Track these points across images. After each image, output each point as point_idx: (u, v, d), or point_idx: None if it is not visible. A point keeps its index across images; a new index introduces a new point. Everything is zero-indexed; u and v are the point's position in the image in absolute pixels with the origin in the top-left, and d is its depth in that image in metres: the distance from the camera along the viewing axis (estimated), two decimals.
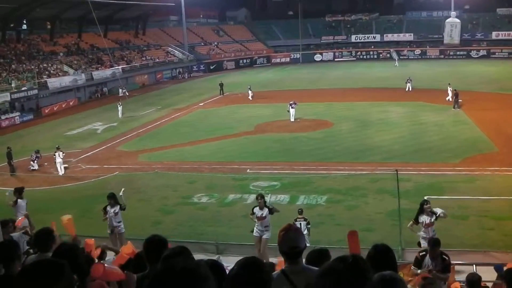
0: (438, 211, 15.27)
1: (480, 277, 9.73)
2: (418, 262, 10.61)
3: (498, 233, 19.60)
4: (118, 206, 17.85)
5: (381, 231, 19.90)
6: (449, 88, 49.17)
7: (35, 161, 33.11)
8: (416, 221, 15.20)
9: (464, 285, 9.86)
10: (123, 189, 18.23)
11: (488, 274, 11.21)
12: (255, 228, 17.17)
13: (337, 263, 2.27)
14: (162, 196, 26.43)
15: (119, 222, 17.86)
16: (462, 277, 11.27)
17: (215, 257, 15.06)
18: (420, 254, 10.72)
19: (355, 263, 2.25)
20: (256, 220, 17.07)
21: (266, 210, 17.03)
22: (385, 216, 21.66)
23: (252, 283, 3.44)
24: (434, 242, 10.78)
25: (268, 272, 3.66)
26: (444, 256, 10.42)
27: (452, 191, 24.17)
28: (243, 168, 30.79)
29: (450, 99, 47.75)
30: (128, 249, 6.70)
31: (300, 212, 17.97)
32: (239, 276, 3.48)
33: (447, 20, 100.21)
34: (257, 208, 17.08)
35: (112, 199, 17.92)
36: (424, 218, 15.06)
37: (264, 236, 16.73)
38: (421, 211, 15.21)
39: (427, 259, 10.41)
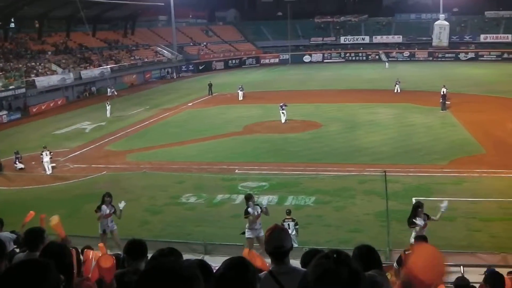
0: (443, 206, 15.47)
1: (469, 282, 9.76)
2: (401, 261, 10.52)
3: (485, 235, 19.71)
4: (113, 208, 17.77)
5: (369, 232, 19.95)
6: (444, 90, 48.78)
7: (17, 161, 32.83)
8: (413, 224, 15.23)
9: (451, 286, 9.88)
10: (124, 203, 17.89)
11: (475, 276, 11.26)
12: (247, 230, 17.13)
13: (324, 261, 2.25)
14: (150, 196, 26.36)
15: (111, 222, 17.83)
16: (450, 278, 11.31)
17: (201, 257, 15.04)
18: (406, 252, 10.62)
19: (341, 258, 2.24)
20: (252, 219, 17.01)
21: (258, 208, 17.06)
22: (373, 217, 21.72)
23: (238, 283, 3.42)
24: (422, 239, 10.81)
25: (255, 272, 3.64)
26: None
27: (440, 193, 24.24)
28: (231, 168, 30.77)
29: (441, 100, 47.70)
30: (107, 261, 6.53)
31: (288, 212, 17.95)
32: (225, 276, 3.46)
33: (436, 23, 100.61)
34: (250, 208, 17.06)
35: (110, 198, 17.84)
36: (421, 221, 15.11)
37: (261, 235, 16.65)
38: (415, 214, 15.23)
39: None
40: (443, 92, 46.25)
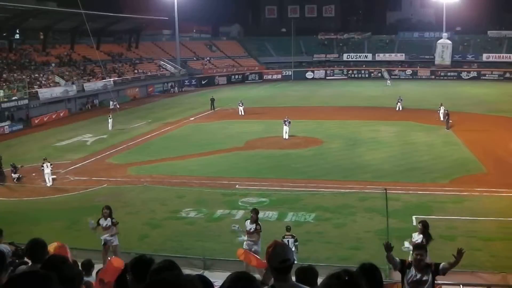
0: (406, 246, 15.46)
1: None
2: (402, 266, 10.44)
3: (485, 254, 19.63)
4: (110, 221, 17.63)
5: (369, 250, 19.87)
6: (440, 108, 49.47)
7: (12, 173, 32.76)
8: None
9: None
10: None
11: None
12: (245, 243, 17.12)
13: (335, 281, 2.25)
14: (150, 210, 26.33)
15: (112, 235, 17.65)
16: None
17: (200, 272, 15.00)
18: (408, 261, 10.52)
19: (353, 280, 2.24)
20: (242, 234, 17.02)
21: (254, 226, 17.02)
22: (374, 235, 21.64)
23: None
24: (416, 245, 10.85)
25: (259, 286, 3.65)
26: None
27: (440, 211, 24.21)
28: (232, 183, 30.74)
29: (442, 119, 48.02)
30: (118, 262, 6.63)
31: (288, 229, 17.90)
32: None
33: (439, 41, 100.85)
34: (248, 221, 17.07)
35: (109, 210, 17.71)
36: (415, 236, 15.08)
37: (254, 249, 16.61)
38: (424, 232, 15.16)
39: (412, 269, 10.21)
40: (446, 111, 46.41)
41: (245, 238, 17.15)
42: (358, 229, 22.80)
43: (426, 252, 10.39)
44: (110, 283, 6.51)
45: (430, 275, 10.05)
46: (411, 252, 10.90)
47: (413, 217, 22.94)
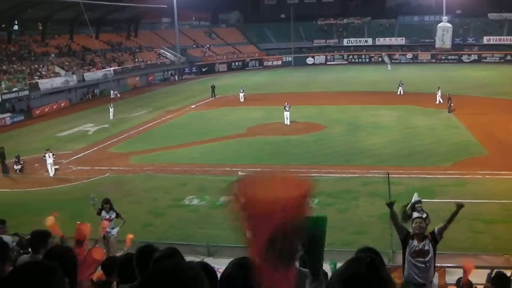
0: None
1: (471, 283, 9.79)
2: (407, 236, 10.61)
3: (488, 236, 19.70)
4: (114, 213, 17.74)
5: (372, 234, 19.93)
6: (438, 92, 49.81)
7: (15, 164, 32.82)
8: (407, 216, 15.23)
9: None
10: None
11: (479, 277, 11.25)
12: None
13: (358, 265, 2.24)
14: (153, 198, 26.39)
15: (112, 228, 17.73)
16: (453, 279, 11.31)
17: (202, 259, 15.04)
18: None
19: (374, 264, 2.23)
20: None
21: None
22: (376, 219, 21.68)
23: (246, 283, 3.43)
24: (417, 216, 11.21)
25: None
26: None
27: (443, 195, 24.22)
28: (234, 170, 30.74)
29: (441, 101, 48.63)
30: (98, 253, 6.62)
31: None
32: (233, 276, 3.47)
33: (439, 25, 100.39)
34: None
35: (108, 204, 17.80)
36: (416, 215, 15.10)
37: None
38: (412, 208, 15.25)
39: (414, 240, 10.40)
40: (448, 94, 46.42)
41: None
42: (361, 213, 22.87)
43: (426, 224, 10.73)
44: (88, 277, 6.52)
45: (431, 244, 10.33)
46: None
47: (415, 194, 22.95)
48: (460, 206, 10.76)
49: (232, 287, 3.44)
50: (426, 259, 10.21)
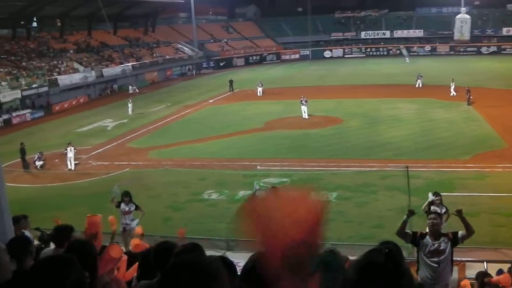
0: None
1: (492, 277, 9.71)
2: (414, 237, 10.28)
3: (509, 230, 19.56)
4: (134, 206, 17.93)
5: (392, 228, 19.67)
6: (452, 84, 50.07)
7: (37, 160, 33.09)
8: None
9: (475, 282, 9.86)
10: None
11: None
12: None
13: (375, 255, 2.25)
14: (172, 193, 26.51)
15: (132, 220, 17.92)
16: (473, 273, 11.26)
17: (224, 253, 15.09)
18: (421, 231, 10.32)
19: (392, 255, 2.24)
20: None
21: None
22: (396, 213, 21.58)
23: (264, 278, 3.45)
24: (431, 212, 10.75)
25: None
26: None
27: (462, 188, 24.12)
28: (253, 164, 30.83)
29: (455, 94, 48.97)
30: (116, 251, 6.66)
31: None
32: (254, 269, 3.50)
33: (457, 16, 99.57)
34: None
35: (128, 196, 17.99)
36: (435, 209, 15.00)
37: None
38: (430, 202, 15.17)
39: (428, 238, 10.05)
40: (467, 87, 46.06)
41: None
42: (380, 207, 22.80)
43: (441, 220, 10.27)
44: (105, 272, 6.58)
45: (449, 244, 9.94)
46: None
47: (429, 193, 22.88)
48: (459, 211, 10.36)
49: (254, 281, 3.47)
50: (440, 259, 9.83)
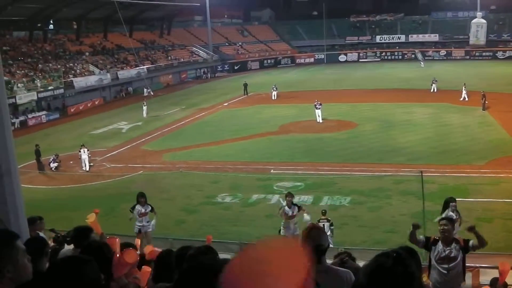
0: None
1: (506, 283, 9.66)
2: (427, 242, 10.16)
3: None
4: (149, 207, 18.00)
5: (405, 233, 19.58)
6: (463, 88, 50.32)
7: (52, 162, 33.26)
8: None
9: None
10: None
11: None
12: (282, 228, 17.21)
13: (384, 259, 2.25)
14: (186, 196, 26.61)
15: (147, 222, 18.00)
16: (487, 280, 11.21)
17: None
18: (434, 237, 10.17)
19: (401, 257, 2.24)
20: (284, 217, 17.14)
21: (295, 208, 17.15)
22: (409, 218, 21.51)
23: None
24: (442, 218, 10.57)
25: None
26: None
27: (477, 193, 24.01)
28: (267, 168, 30.86)
29: (466, 99, 49.30)
30: (131, 256, 6.71)
31: (324, 213, 17.98)
32: None
33: (473, 21, 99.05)
34: (286, 207, 17.20)
35: (144, 198, 18.04)
36: (451, 215, 14.95)
37: (297, 233, 16.76)
38: (445, 207, 15.14)
39: (439, 244, 9.91)
40: (482, 92, 45.80)
41: (309, 218, 17.18)
42: (394, 212, 22.74)
43: (453, 226, 10.11)
44: (120, 276, 6.62)
45: (460, 252, 9.81)
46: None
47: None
48: (471, 228, 10.21)
49: None
50: (450, 266, 9.68)
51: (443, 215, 14.80)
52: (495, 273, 12.38)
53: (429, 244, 9.94)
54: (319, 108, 43.00)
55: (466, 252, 9.90)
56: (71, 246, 7.35)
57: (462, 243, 9.84)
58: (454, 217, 14.73)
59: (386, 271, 2.15)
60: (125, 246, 8.25)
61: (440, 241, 9.82)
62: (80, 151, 33.04)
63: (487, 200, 22.90)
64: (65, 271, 3.35)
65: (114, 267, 6.07)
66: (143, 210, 17.86)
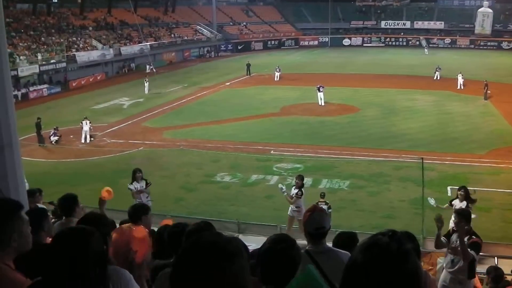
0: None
1: (503, 272, 9.68)
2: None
3: None
4: (145, 182, 17.78)
5: (403, 219, 19.88)
6: (459, 77, 51.14)
7: (52, 135, 33.21)
8: (450, 204, 15.14)
9: (485, 277, 9.82)
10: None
11: (510, 267, 11.16)
12: (291, 207, 17.31)
13: (379, 237, 2.23)
14: (185, 174, 26.64)
15: (147, 197, 17.84)
16: (483, 268, 11.24)
17: (238, 236, 15.16)
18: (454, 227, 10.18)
19: (396, 237, 2.22)
20: (289, 198, 17.22)
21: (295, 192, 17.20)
22: (408, 204, 21.63)
23: (283, 260, 3.47)
24: (457, 211, 10.23)
25: (299, 250, 3.70)
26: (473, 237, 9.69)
27: (476, 183, 23.97)
28: (267, 149, 30.85)
29: (462, 87, 50.21)
30: (140, 232, 6.76)
31: (322, 196, 17.98)
32: (271, 251, 3.52)
33: (479, 10, 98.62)
34: (294, 187, 17.30)
35: (141, 173, 17.81)
36: (456, 203, 14.94)
37: (299, 218, 16.80)
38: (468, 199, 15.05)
39: (454, 236, 9.86)
40: (485, 81, 45.65)
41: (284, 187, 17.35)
42: (392, 197, 22.78)
43: (465, 220, 9.89)
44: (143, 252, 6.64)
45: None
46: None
47: (448, 188, 22.82)
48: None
49: (272, 261, 3.49)
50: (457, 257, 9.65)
51: (453, 204, 14.80)
52: (491, 262, 12.44)
53: (448, 236, 9.83)
54: (322, 91, 42.91)
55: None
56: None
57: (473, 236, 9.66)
58: (459, 206, 14.35)
59: (380, 248, 2.12)
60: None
61: (454, 233, 9.71)
62: (82, 123, 33.35)
63: (486, 190, 22.90)
64: (70, 242, 3.35)
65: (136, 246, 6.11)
66: (139, 187, 17.62)
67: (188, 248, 2.26)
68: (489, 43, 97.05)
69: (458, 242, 9.34)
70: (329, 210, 17.32)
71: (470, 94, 46.91)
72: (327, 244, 4.95)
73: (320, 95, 42.92)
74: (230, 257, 2.18)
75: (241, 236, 16.14)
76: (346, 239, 6.20)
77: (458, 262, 9.46)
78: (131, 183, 17.66)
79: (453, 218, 10.02)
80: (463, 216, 9.45)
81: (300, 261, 3.58)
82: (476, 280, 10.22)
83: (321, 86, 43.16)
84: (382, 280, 2.08)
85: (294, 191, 17.27)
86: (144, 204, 7.12)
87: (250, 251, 5.10)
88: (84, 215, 5.65)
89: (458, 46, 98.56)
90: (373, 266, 2.10)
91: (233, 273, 2.16)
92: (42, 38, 62.27)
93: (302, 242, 4.96)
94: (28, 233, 3.87)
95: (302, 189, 17.31)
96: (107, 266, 3.67)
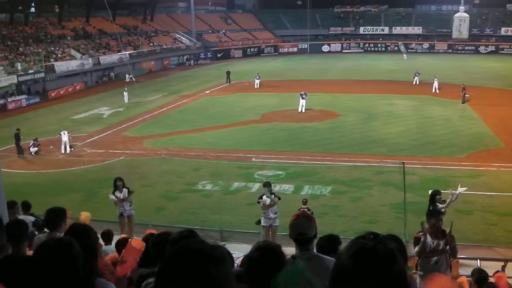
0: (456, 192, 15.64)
1: (487, 274, 9.75)
2: (418, 241, 10.40)
3: (501, 229, 19.63)
4: (127, 190, 17.68)
5: (385, 223, 19.93)
6: (434, 80, 51.83)
7: (32, 146, 32.94)
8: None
9: (471, 280, 9.88)
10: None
11: (492, 270, 11.22)
12: (262, 218, 17.05)
13: (364, 241, 2.23)
14: (166, 182, 26.51)
15: (130, 206, 17.76)
16: (467, 271, 11.30)
17: (224, 245, 15.11)
18: (420, 233, 10.53)
19: (378, 239, 2.22)
20: (264, 208, 16.94)
21: (273, 197, 17.00)
22: (389, 209, 21.70)
23: (270, 267, 3.46)
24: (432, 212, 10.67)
25: (285, 257, 3.69)
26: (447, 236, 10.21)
27: (456, 186, 24.13)
28: (248, 156, 30.83)
29: (437, 91, 50.72)
30: (138, 243, 6.72)
31: (305, 202, 17.96)
32: (259, 258, 3.50)
33: (456, 15, 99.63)
34: (265, 196, 17.00)
35: (122, 181, 17.75)
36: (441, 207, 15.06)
37: (275, 224, 16.74)
38: (432, 202, 15.18)
39: (429, 238, 10.16)
40: (463, 85, 46.05)
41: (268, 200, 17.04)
42: (374, 202, 22.84)
43: (441, 221, 10.28)
44: (132, 264, 6.60)
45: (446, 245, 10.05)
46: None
47: (429, 191, 22.91)
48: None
49: (258, 269, 3.47)
50: (438, 258, 10.13)
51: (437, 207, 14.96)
52: (474, 265, 12.51)
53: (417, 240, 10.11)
54: (305, 99, 43.00)
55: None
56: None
57: (447, 238, 10.01)
58: (443, 210, 14.84)
59: (369, 252, 2.12)
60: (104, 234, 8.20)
61: (428, 235, 9.95)
62: (60, 134, 33.05)
63: (466, 193, 23.02)
64: (56, 254, 3.31)
65: (128, 256, 6.06)
66: (121, 196, 17.54)
67: (174, 254, 2.24)
68: (466, 47, 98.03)
69: (433, 243, 9.83)
70: None
71: (448, 98, 47.24)
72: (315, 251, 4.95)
73: (303, 102, 42.99)
74: (216, 262, 2.17)
75: (224, 244, 16.10)
76: (327, 239, 6.24)
77: (442, 262, 9.73)
78: (113, 193, 17.57)
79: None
80: (431, 216, 10.01)
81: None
82: (464, 281, 10.29)
83: (304, 93, 43.24)
84: (373, 283, 2.08)
85: (268, 199, 16.96)
86: (62, 208, 6.94)
87: (235, 259, 5.08)
88: (69, 226, 5.57)
89: (436, 50, 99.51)
90: (363, 271, 2.10)
91: (218, 279, 2.15)
92: (20, 48, 61.83)
93: (287, 248, 4.95)
94: (6, 245, 3.81)
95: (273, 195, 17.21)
96: (97, 279, 3.63)
